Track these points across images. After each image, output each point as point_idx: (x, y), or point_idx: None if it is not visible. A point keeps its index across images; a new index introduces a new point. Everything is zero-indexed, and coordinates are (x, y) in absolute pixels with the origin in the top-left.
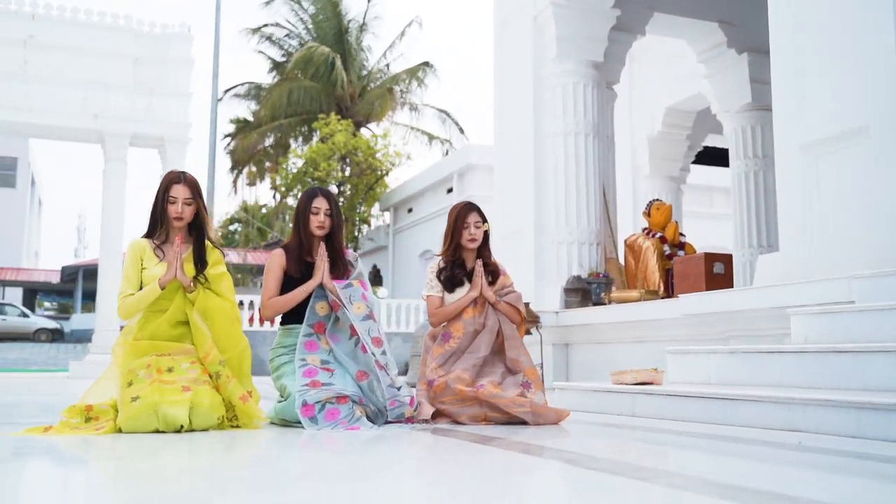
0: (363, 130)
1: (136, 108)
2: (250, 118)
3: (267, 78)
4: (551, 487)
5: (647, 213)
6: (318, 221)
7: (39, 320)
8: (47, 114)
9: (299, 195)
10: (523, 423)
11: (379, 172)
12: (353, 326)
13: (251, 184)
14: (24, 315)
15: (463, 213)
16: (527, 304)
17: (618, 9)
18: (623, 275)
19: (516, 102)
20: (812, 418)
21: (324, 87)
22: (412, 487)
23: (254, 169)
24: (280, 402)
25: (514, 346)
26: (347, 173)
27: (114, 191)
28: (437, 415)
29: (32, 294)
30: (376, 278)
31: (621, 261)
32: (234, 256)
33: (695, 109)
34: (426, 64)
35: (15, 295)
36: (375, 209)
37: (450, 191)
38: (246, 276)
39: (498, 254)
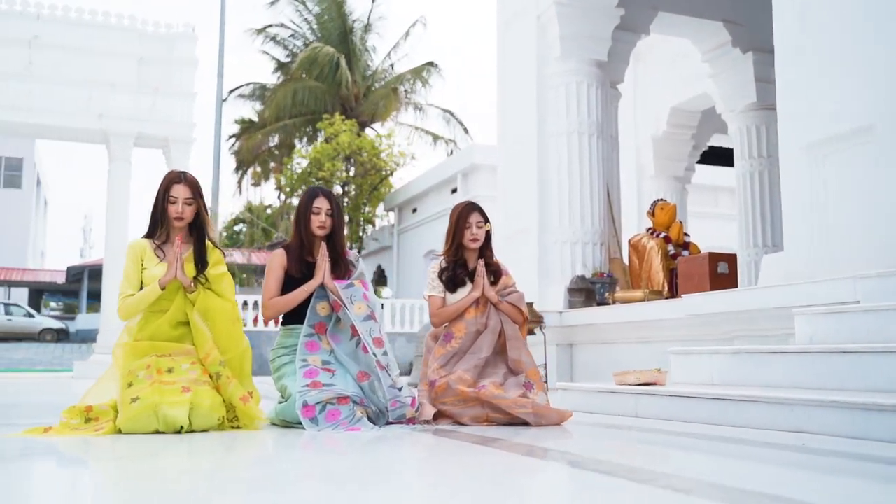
0: (368, 130)
1: (140, 108)
2: (255, 118)
3: (271, 78)
4: (553, 490)
5: (652, 213)
6: (320, 221)
7: (45, 320)
8: (52, 114)
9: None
10: (525, 424)
11: (383, 172)
12: (355, 327)
13: (256, 184)
14: (30, 315)
15: (465, 213)
16: (530, 304)
17: (622, 8)
18: (627, 275)
19: (520, 102)
20: (816, 419)
21: (328, 87)
22: (413, 489)
23: (258, 169)
24: (281, 402)
25: (517, 347)
26: (352, 173)
27: (118, 191)
28: (439, 416)
29: (38, 294)
30: (381, 278)
31: (625, 261)
32: (238, 257)
33: (699, 109)
34: (431, 64)
35: (21, 295)
36: (380, 209)
37: (454, 191)
38: (250, 276)
39: (502, 254)
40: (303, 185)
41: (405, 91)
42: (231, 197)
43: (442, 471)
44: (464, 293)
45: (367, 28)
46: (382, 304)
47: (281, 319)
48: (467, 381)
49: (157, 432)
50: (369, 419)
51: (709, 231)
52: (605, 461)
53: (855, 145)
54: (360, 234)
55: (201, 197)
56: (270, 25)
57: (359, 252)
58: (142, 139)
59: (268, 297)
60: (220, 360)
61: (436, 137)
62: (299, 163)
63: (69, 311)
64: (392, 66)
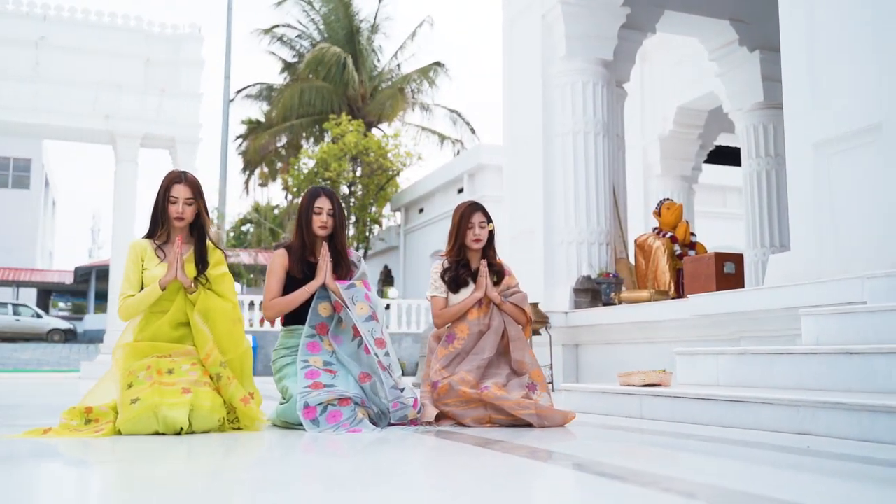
0: (374, 131)
1: (146, 108)
2: (262, 119)
3: (278, 79)
4: (554, 493)
5: (658, 213)
6: (321, 221)
7: (52, 321)
8: (59, 115)
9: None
10: (528, 425)
11: (390, 173)
12: (356, 327)
13: (263, 184)
14: (38, 316)
15: (467, 213)
16: (536, 305)
17: (627, 7)
18: (633, 275)
19: (525, 101)
20: (822, 421)
21: (335, 87)
22: (414, 491)
23: (266, 170)
24: (282, 403)
25: (520, 348)
26: (358, 173)
27: (125, 191)
28: (441, 417)
29: (46, 294)
30: (387, 279)
31: (631, 261)
32: (245, 257)
33: (706, 108)
34: (437, 64)
35: (29, 295)
36: (386, 209)
37: (460, 191)
38: (257, 276)
39: (507, 254)
40: (309, 185)
41: (412, 91)
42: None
43: (443, 473)
44: (467, 294)
45: (373, 28)
46: (388, 305)
47: (282, 320)
48: (470, 383)
49: (157, 434)
50: (371, 420)
51: (716, 231)
52: (607, 464)
53: (862, 144)
54: (367, 234)
55: (202, 197)
56: (277, 26)
57: (365, 252)
58: (148, 140)
59: (269, 298)
60: (221, 361)
61: (442, 137)
62: (306, 163)
63: (78, 311)
64: (399, 66)
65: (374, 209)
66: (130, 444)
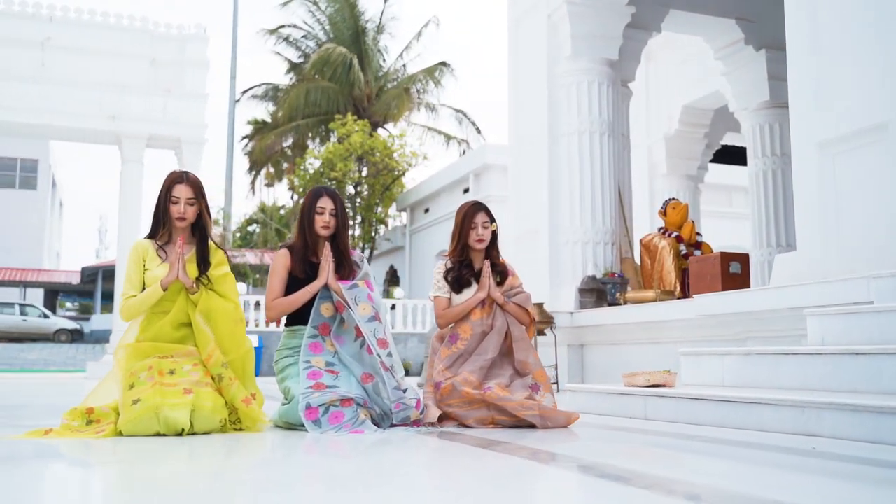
0: (380, 131)
1: (152, 109)
2: (268, 119)
3: (284, 79)
4: (557, 495)
5: (663, 213)
6: (324, 221)
7: (59, 321)
8: (64, 115)
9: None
10: (532, 426)
11: (395, 173)
12: (359, 328)
13: (269, 185)
14: (45, 316)
15: (470, 213)
16: (541, 305)
17: (633, 6)
18: (639, 275)
19: (531, 101)
20: (827, 422)
21: (341, 87)
22: (417, 493)
23: (272, 170)
24: (284, 404)
25: (523, 348)
26: (364, 174)
27: (131, 192)
28: (444, 418)
29: (54, 295)
30: (393, 279)
31: (637, 261)
32: (251, 257)
33: (712, 107)
34: (443, 64)
35: (36, 296)
36: (392, 209)
37: (466, 191)
38: (263, 277)
39: (513, 254)
40: (315, 185)
41: (417, 91)
42: (244, 198)
43: (446, 474)
44: (469, 294)
45: (379, 28)
46: (393, 305)
47: (285, 320)
48: (473, 383)
49: (159, 435)
50: (373, 421)
51: (723, 230)
52: (610, 465)
53: (869, 143)
54: (373, 234)
55: (204, 197)
56: (283, 26)
57: (371, 252)
58: (154, 140)
59: (271, 298)
60: (223, 362)
61: (448, 137)
62: (312, 163)
63: (85, 311)
64: (404, 66)
65: (379, 209)
66: (131, 444)
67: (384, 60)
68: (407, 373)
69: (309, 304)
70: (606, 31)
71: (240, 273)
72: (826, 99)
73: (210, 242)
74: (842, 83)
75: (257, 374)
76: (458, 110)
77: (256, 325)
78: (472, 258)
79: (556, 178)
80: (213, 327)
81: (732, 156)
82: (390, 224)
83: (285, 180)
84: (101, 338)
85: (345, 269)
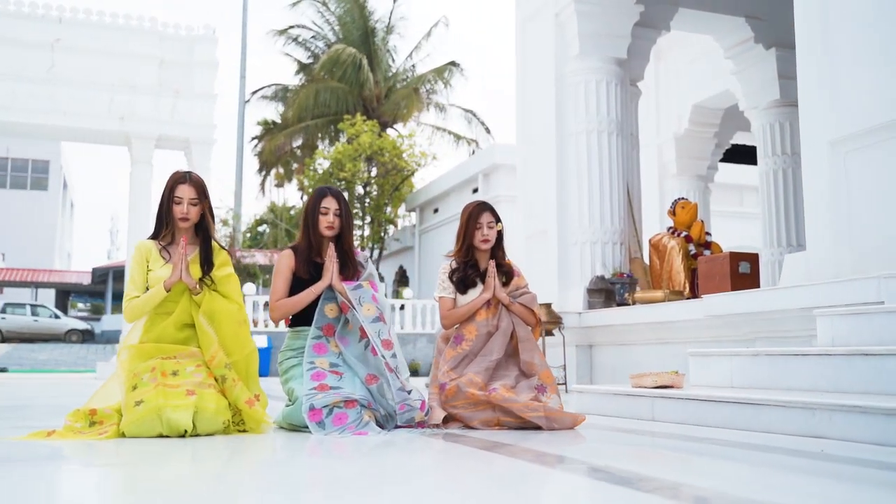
0: (389, 131)
1: (161, 110)
2: (277, 120)
3: (294, 80)
4: (560, 499)
5: (673, 212)
6: (328, 222)
7: (70, 321)
8: (74, 116)
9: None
10: (537, 427)
11: (405, 173)
12: (363, 329)
13: (279, 185)
14: (56, 316)
15: (475, 213)
16: (549, 305)
17: (641, 5)
18: (648, 275)
19: (539, 101)
20: (837, 425)
21: (350, 88)
22: (420, 496)
23: (281, 170)
24: (288, 405)
25: (529, 349)
26: (373, 174)
27: (140, 192)
28: (449, 419)
29: (65, 295)
30: (402, 279)
31: (646, 261)
32: (260, 257)
33: (722, 107)
34: (452, 63)
35: (48, 296)
36: (401, 210)
37: (475, 191)
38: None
39: (521, 254)
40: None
41: (427, 91)
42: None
43: (450, 476)
44: (475, 294)
45: (388, 29)
46: (402, 305)
47: (289, 321)
48: (478, 384)
49: (161, 436)
50: (377, 423)
51: (733, 230)
52: (615, 468)
53: (879, 141)
54: (382, 234)
55: (207, 197)
56: (292, 27)
57: (380, 253)
58: (163, 141)
59: (275, 299)
60: (226, 363)
61: (458, 137)
62: (321, 164)
63: (96, 311)
64: (414, 66)
65: (388, 209)
66: (134, 446)
67: (393, 61)
68: (416, 373)
69: (313, 305)
70: (614, 30)
71: (249, 273)
72: (836, 97)
73: (213, 243)
74: (852, 81)
75: (267, 374)
76: (467, 110)
77: (266, 326)
78: (478, 258)
79: (565, 178)
80: (216, 328)
81: (743, 155)
82: (399, 224)
83: (295, 181)
84: (112, 338)
85: (349, 269)
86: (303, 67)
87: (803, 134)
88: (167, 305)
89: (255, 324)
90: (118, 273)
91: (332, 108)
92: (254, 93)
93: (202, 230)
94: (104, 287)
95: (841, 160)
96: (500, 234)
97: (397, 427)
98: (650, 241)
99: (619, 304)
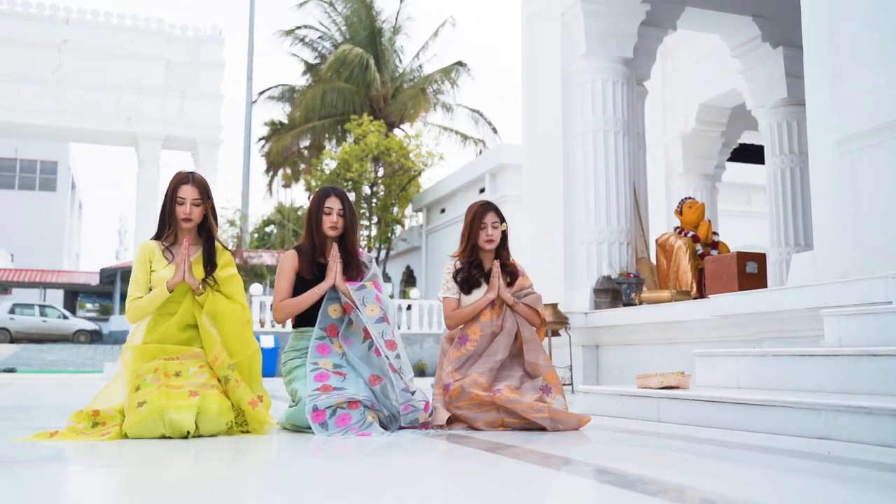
0: (396, 131)
1: (168, 110)
2: (284, 120)
3: (300, 80)
4: (566, 501)
5: (680, 212)
6: (331, 222)
7: (78, 322)
8: (81, 117)
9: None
10: (542, 428)
11: (412, 173)
12: (367, 329)
13: (286, 185)
14: (64, 317)
15: (480, 213)
16: (555, 305)
17: (647, 4)
18: (655, 275)
19: (545, 100)
20: (843, 426)
21: (357, 88)
22: (423, 497)
23: (288, 171)
24: (291, 406)
25: (533, 350)
26: (380, 174)
27: (147, 193)
28: (453, 420)
29: (73, 296)
30: (409, 279)
31: (653, 260)
32: (268, 258)
33: (729, 106)
34: (459, 63)
35: (56, 297)
36: (408, 210)
37: (482, 191)
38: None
39: (527, 254)
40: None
41: (433, 91)
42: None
43: (454, 478)
44: (479, 295)
45: (395, 29)
46: (410, 305)
47: (292, 322)
48: (482, 385)
49: (164, 437)
50: (381, 424)
51: (741, 230)
52: (620, 470)
53: (886, 140)
54: (389, 234)
55: (210, 198)
56: (299, 27)
57: (387, 253)
58: (170, 141)
59: (279, 299)
60: (229, 364)
61: (465, 137)
62: (328, 164)
63: (105, 312)
64: (420, 66)
65: (395, 210)
66: (137, 447)
67: (400, 61)
68: (423, 374)
69: (317, 306)
70: (621, 30)
71: (257, 274)
72: (844, 96)
73: (217, 244)
74: (859, 80)
75: (274, 374)
76: (474, 110)
77: (273, 326)
78: (482, 259)
79: (571, 178)
80: (219, 329)
81: (751, 154)
82: (406, 224)
83: (302, 181)
84: (121, 338)
85: (353, 269)
86: (310, 68)
87: (810, 133)
88: (170, 306)
89: (263, 324)
90: (126, 273)
91: (339, 109)
92: (261, 93)
93: (205, 231)
94: (112, 287)
95: (848, 159)
96: (504, 235)
97: (401, 428)
98: (657, 240)
99: (625, 305)
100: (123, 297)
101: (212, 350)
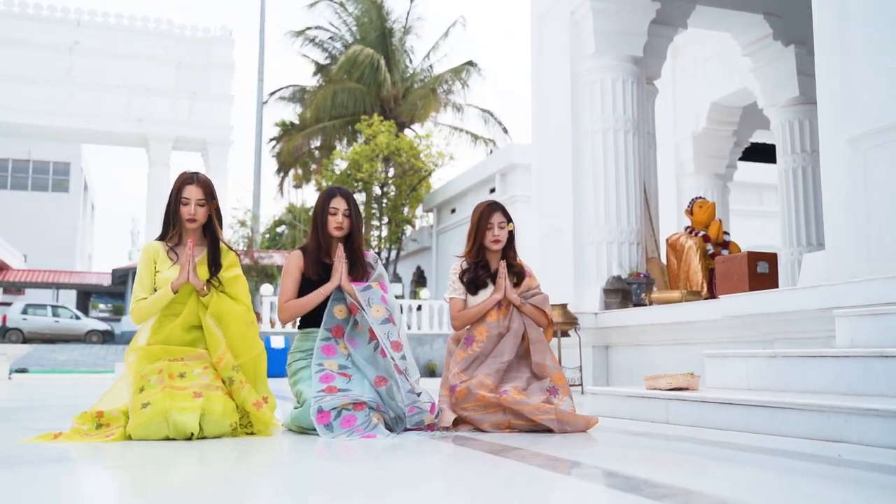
0: (406, 131)
1: (178, 111)
2: (295, 121)
3: (311, 81)
4: None
5: (690, 212)
6: (337, 222)
7: (90, 322)
8: (92, 118)
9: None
10: (549, 430)
11: (422, 173)
12: (372, 330)
13: (297, 186)
14: (76, 317)
15: (486, 213)
16: (565, 305)
17: (657, 2)
18: (665, 275)
19: (554, 99)
20: (854, 428)
21: (368, 89)
22: (429, 500)
23: (299, 171)
24: (296, 408)
25: (540, 350)
26: (391, 174)
27: (158, 194)
28: (459, 422)
29: (86, 296)
30: (420, 279)
31: (663, 260)
32: (279, 258)
33: (740, 105)
34: (470, 63)
35: (69, 297)
36: (419, 210)
37: (492, 191)
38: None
39: (537, 254)
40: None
41: (444, 91)
42: (273, 199)
43: (459, 480)
44: (486, 295)
45: (406, 29)
46: (420, 306)
47: (298, 323)
48: (488, 386)
49: (168, 439)
50: (386, 425)
51: (753, 230)
52: (628, 473)
53: None
54: (399, 235)
55: (214, 198)
56: (310, 28)
57: (398, 253)
58: (180, 142)
59: (284, 300)
60: (234, 365)
61: (475, 137)
62: (339, 164)
63: (117, 312)
64: (431, 66)
65: (406, 210)
66: (141, 449)
67: (411, 61)
68: (433, 374)
69: (322, 307)
70: (630, 28)
71: (267, 275)
72: (855, 94)
73: (221, 244)
74: (871, 78)
75: (284, 375)
76: (484, 110)
77: (283, 327)
78: (489, 259)
79: (581, 177)
80: (224, 330)
81: (763, 153)
82: (417, 224)
83: (313, 181)
84: (132, 339)
85: (358, 270)
86: (320, 68)
87: (822, 131)
88: (175, 307)
89: (273, 324)
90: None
91: (349, 109)
92: (272, 94)
93: (210, 231)
94: (124, 288)
95: (860, 158)
96: (511, 235)
97: (406, 430)
98: (667, 240)
99: (635, 305)
100: None
101: (216, 351)
